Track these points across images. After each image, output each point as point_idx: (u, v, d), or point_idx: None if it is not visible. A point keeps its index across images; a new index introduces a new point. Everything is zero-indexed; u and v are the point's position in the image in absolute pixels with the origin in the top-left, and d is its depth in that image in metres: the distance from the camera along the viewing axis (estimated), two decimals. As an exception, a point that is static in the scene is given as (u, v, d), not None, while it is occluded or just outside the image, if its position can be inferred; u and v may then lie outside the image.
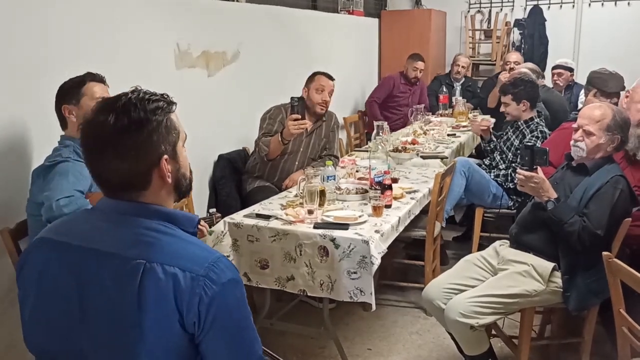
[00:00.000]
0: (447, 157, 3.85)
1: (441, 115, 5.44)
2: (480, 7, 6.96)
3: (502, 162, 3.75)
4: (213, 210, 2.51)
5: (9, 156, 2.37)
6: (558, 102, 4.40)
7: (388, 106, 5.53)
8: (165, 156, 1.17)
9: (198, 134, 3.28)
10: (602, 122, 2.36)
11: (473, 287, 2.39)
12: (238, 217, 2.60)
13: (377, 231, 2.43)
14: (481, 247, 2.94)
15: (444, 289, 2.42)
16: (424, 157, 3.79)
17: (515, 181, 2.50)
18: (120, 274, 1.11)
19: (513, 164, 3.59)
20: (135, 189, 1.17)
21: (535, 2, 6.65)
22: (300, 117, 3.06)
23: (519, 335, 2.40)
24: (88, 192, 2.06)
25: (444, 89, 5.74)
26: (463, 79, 5.92)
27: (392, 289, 3.42)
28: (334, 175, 2.88)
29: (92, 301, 1.13)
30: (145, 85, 1.22)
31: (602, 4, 6.37)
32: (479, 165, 3.76)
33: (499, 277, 2.41)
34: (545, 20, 6.57)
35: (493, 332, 2.60)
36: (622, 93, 3.09)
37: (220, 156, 3.71)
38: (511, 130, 3.74)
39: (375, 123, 3.62)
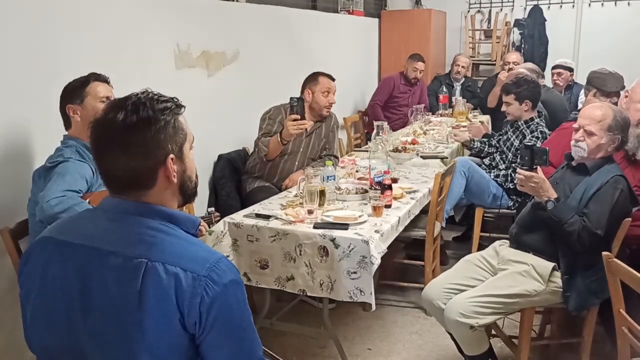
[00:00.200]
0: (447, 157, 3.86)
1: (441, 115, 5.45)
2: (480, 7, 6.96)
3: (502, 162, 3.75)
4: (211, 209, 2.51)
5: (10, 156, 2.37)
6: (558, 102, 4.40)
7: (388, 106, 5.54)
8: (172, 155, 1.18)
9: (198, 134, 3.22)
10: (603, 122, 2.36)
11: (473, 287, 2.39)
12: (238, 217, 2.61)
13: (377, 231, 2.43)
14: (481, 247, 2.94)
15: (443, 289, 2.42)
16: (423, 157, 3.79)
17: (515, 181, 2.50)
18: (122, 272, 1.11)
19: (513, 164, 3.59)
20: (140, 187, 1.18)
21: (535, 2, 6.65)
22: (299, 117, 3.06)
23: (519, 335, 2.40)
24: (87, 193, 2.06)
25: (444, 89, 5.74)
26: (463, 79, 5.92)
27: (392, 289, 3.42)
28: (334, 175, 2.88)
29: (93, 299, 1.14)
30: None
31: (602, 4, 6.37)
32: (479, 165, 3.76)
33: (499, 277, 2.41)
34: (545, 20, 6.57)
35: (493, 332, 2.60)
36: (622, 93, 3.09)
37: (220, 156, 3.71)
38: (511, 130, 3.74)
39: (375, 123, 3.62)
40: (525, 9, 6.72)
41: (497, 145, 3.93)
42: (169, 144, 1.18)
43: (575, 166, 2.49)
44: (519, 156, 3.44)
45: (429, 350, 2.85)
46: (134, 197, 1.19)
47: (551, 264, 2.35)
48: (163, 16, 3.22)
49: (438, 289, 2.44)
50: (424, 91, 5.73)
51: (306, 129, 3.24)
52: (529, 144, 3.02)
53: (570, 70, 5.20)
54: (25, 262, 1.25)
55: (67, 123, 2.24)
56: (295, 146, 3.42)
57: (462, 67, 5.82)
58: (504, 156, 3.75)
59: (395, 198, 2.80)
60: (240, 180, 3.60)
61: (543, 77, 4.77)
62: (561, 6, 6.57)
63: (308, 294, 2.52)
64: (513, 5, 6.80)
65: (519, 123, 3.67)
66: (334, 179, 2.88)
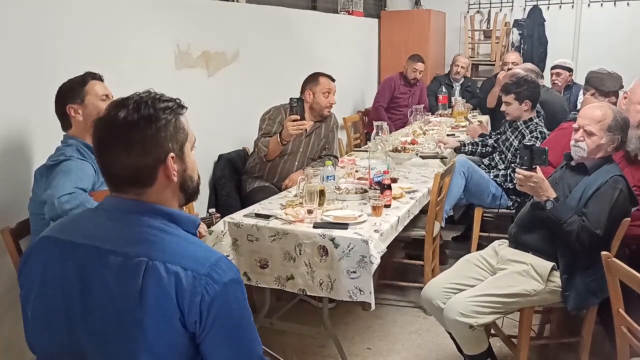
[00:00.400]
0: (446, 157, 3.86)
1: (440, 116, 5.45)
2: (479, 8, 6.97)
3: (501, 162, 3.75)
4: (212, 210, 2.52)
5: (10, 155, 2.37)
6: (557, 102, 4.40)
7: (389, 107, 5.54)
8: (172, 154, 1.19)
9: (198, 134, 3.23)
10: (603, 122, 2.37)
11: (472, 286, 2.39)
12: (238, 216, 2.61)
13: (376, 231, 2.43)
14: (480, 247, 2.95)
15: (443, 289, 2.42)
16: (423, 157, 3.79)
17: (515, 181, 2.50)
18: (123, 271, 1.12)
19: (512, 164, 3.59)
20: (141, 185, 1.19)
21: (534, 3, 6.66)
22: (299, 117, 3.06)
23: (518, 334, 2.41)
24: (91, 191, 2.07)
25: (444, 89, 5.74)
26: (462, 79, 5.93)
27: (391, 288, 3.43)
28: (334, 175, 2.89)
29: (94, 298, 1.14)
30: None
31: (601, 5, 6.38)
32: (479, 165, 3.76)
33: (498, 276, 2.41)
34: (545, 21, 6.57)
35: (492, 331, 2.60)
36: (621, 93, 3.10)
37: (220, 156, 3.72)
38: (509, 130, 3.75)
39: (375, 123, 3.63)
40: (524, 9, 6.73)
41: (495, 144, 3.93)
42: (170, 143, 1.19)
43: (575, 166, 2.49)
44: (518, 156, 3.45)
45: (429, 350, 2.85)
46: (134, 195, 1.19)
47: (550, 264, 2.35)
48: (163, 16, 3.22)
49: (437, 289, 2.44)
50: (423, 91, 5.73)
51: (306, 129, 3.25)
52: (528, 143, 3.03)
53: (569, 70, 5.20)
54: (25, 261, 1.25)
55: (66, 123, 2.24)
56: (295, 146, 3.42)
57: (462, 67, 5.82)
58: (503, 156, 3.76)
59: (394, 198, 2.81)
60: (240, 180, 3.60)
61: (542, 77, 4.77)
62: (560, 6, 6.58)
63: (308, 294, 2.52)
64: (512, 6, 6.81)
65: (518, 123, 3.67)
66: (334, 179, 2.88)
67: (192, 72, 3.48)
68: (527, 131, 3.61)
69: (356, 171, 3.31)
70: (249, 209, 2.74)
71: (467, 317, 2.23)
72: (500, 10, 6.85)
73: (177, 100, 1.24)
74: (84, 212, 1.31)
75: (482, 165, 3.80)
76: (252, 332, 1.20)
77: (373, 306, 2.39)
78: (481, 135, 4.26)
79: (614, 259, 1.83)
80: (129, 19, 2.97)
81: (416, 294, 3.17)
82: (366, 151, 3.53)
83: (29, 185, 2.28)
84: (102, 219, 1.21)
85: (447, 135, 4.57)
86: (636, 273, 1.71)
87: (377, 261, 2.33)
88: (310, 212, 2.52)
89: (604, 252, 1.88)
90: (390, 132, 4.30)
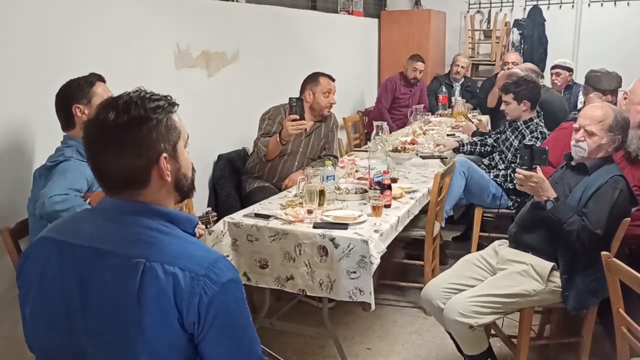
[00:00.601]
0: (446, 157, 3.86)
1: (440, 116, 5.45)
2: (479, 8, 6.97)
3: (501, 162, 3.75)
4: (209, 209, 2.52)
5: (9, 156, 2.37)
6: (557, 102, 4.40)
7: (390, 107, 5.54)
8: (165, 154, 1.17)
9: (197, 134, 3.24)
10: (604, 122, 2.37)
11: (472, 286, 2.39)
12: (237, 216, 2.61)
13: (376, 231, 2.43)
14: (480, 247, 2.94)
15: (443, 289, 2.42)
16: (423, 157, 3.79)
17: (515, 181, 2.50)
18: (121, 272, 1.11)
19: (512, 165, 3.59)
20: (134, 187, 1.18)
21: (534, 3, 6.65)
22: (298, 117, 3.06)
23: (518, 334, 2.41)
24: (88, 192, 2.07)
25: (444, 89, 5.74)
26: (462, 79, 5.93)
27: (391, 288, 3.43)
28: (334, 175, 2.89)
29: (92, 299, 1.14)
30: (145, 85, 1.23)
31: (602, 4, 6.38)
32: (479, 165, 3.76)
33: (498, 276, 2.41)
34: (545, 21, 6.57)
35: (492, 331, 2.60)
36: (620, 94, 3.10)
37: (219, 156, 3.71)
38: (509, 130, 3.74)
39: (375, 123, 3.63)
40: (524, 9, 6.72)
41: (495, 144, 3.93)
42: (162, 143, 1.17)
43: (575, 166, 2.49)
44: (518, 156, 3.44)
45: (429, 350, 2.85)
46: (129, 196, 1.18)
47: (550, 264, 2.35)
48: (163, 16, 3.22)
49: (437, 289, 2.44)
50: (423, 91, 5.73)
51: (305, 129, 3.25)
52: (529, 143, 3.03)
53: (569, 70, 5.19)
54: (23, 262, 1.25)
55: (68, 123, 2.24)
56: (294, 146, 3.42)
57: (462, 67, 5.82)
58: (503, 156, 3.75)
59: (394, 198, 2.81)
60: (240, 180, 3.60)
61: (542, 77, 4.77)
62: (560, 6, 6.57)
63: (308, 294, 2.52)
64: (512, 6, 6.80)
65: (518, 123, 3.67)
66: (334, 179, 2.88)
67: (192, 72, 3.48)
68: (527, 131, 3.60)
69: (356, 171, 3.31)
70: (249, 209, 2.74)
71: (467, 317, 2.23)
72: (501, 10, 6.84)
73: (168, 98, 1.22)
74: (81, 212, 1.31)
75: (482, 165, 3.80)
76: (251, 332, 1.19)
77: (373, 306, 2.39)
78: (481, 135, 4.26)
79: (614, 259, 1.83)
80: (129, 19, 2.97)
81: (416, 294, 3.17)
82: (366, 151, 3.53)
83: (29, 185, 2.28)
84: (100, 220, 1.20)
85: (447, 135, 4.57)
86: (636, 273, 1.71)
87: (377, 261, 2.33)
88: (310, 212, 2.52)
89: (604, 252, 1.88)
90: (391, 132, 4.30)
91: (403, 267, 3.59)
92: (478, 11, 6.98)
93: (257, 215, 2.59)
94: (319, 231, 2.40)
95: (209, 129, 3.60)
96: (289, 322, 2.84)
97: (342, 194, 2.88)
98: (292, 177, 3.36)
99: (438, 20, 6.68)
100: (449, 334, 2.45)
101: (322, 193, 2.66)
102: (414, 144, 4.10)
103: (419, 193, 3.00)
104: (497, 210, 3.69)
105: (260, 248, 2.51)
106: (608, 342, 2.59)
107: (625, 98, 2.87)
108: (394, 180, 3.03)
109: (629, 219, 2.31)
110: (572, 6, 6.51)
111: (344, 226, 2.43)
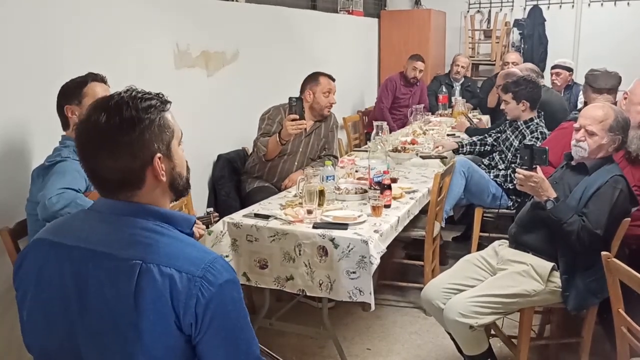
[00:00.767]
0: (446, 157, 3.86)
1: (440, 115, 5.45)
2: (479, 7, 6.97)
3: (501, 162, 3.75)
4: (210, 209, 2.51)
5: (9, 156, 2.37)
6: (558, 102, 4.40)
7: (390, 107, 5.53)
8: (159, 155, 1.16)
9: (197, 134, 3.28)
10: (605, 122, 2.36)
11: (472, 287, 2.39)
12: (237, 217, 2.60)
13: (376, 231, 2.43)
14: (480, 247, 2.94)
15: (443, 289, 2.42)
16: (423, 157, 3.79)
17: (515, 181, 2.50)
18: (117, 274, 1.11)
19: (512, 164, 3.58)
20: (129, 188, 1.17)
21: (534, 2, 6.65)
22: (298, 117, 3.06)
23: (518, 335, 2.40)
24: (86, 192, 2.06)
25: (444, 89, 5.74)
26: (462, 79, 5.93)
27: (391, 288, 3.42)
28: (333, 175, 2.89)
29: (90, 301, 1.13)
30: (145, 85, 1.22)
31: (602, 4, 6.38)
32: (479, 165, 3.76)
33: (498, 277, 2.41)
34: (545, 20, 6.57)
35: (492, 332, 2.59)
36: (620, 94, 3.10)
37: (219, 156, 3.71)
38: (509, 130, 3.74)
39: (375, 123, 3.63)
40: (524, 9, 6.72)
41: (495, 143, 3.92)
42: (155, 143, 1.16)
43: (575, 166, 2.49)
44: (518, 156, 3.44)
45: (429, 350, 2.85)
46: (124, 197, 1.17)
47: (550, 264, 2.35)
48: (163, 16, 3.22)
49: (437, 289, 2.43)
50: (424, 91, 5.73)
51: (305, 129, 3.25)
52: (529, 143, 3.03)
53: (569, 70, 5.18)
54: (20, 263, 1.24)
55: (65, 123, 2.24)
56: (294, 146, 3.42)
57: (462, 67, 5.82)
58: (503, 156, 3.75)
59: (394, 198, 2.80)
60: (239, 180, 3.60)
61: (542, 77, 4.77)
62: (561, 6, 6.57)
63: (307, 294, 2.52)
64: (513, 6, 6.80)
65: (519, 123, 3.66)
66: (334, 179, 2.88)
67: (192, 71, 3.48)
68: (528, 131, 3.60)
69: (356, 171, 3.30)
70: (249, 209, 2.74)
71: (467, 318, 2.22)
72: (501, 9, 6.84)
73: (160, 96, 1.20)
74: (77, 213, 1.29)
75: (482, 165, 3.80)
76: (249, 333, 1.18)
77: (373, 307, 2.39)
78: (475, 132, 4.26)
79: (614, 259, 1.82)
80: (129, 18, 2.97)
81: (416, 294, 3.17)
82: (366, 151, 3.53)
83: (28, 185, 2.28)
84: (96, 221, 1.20)
85: (447, 135, 4.57)
86: (636, 273, 1.70)
87: (376, 261, 2.33)
88: (309, 212, 2.51)
89: (604, 252, 1.88)
90: (391, 132, 4.30)
91: (403, 267, 3.59)
92: (478, 11, 6.98)
93: (257, 216, 2.58)
94: (319, 231, 2.40)
95: (209, 129, 3.59)
96: (289, 323, 2.83)
97: (342, 194, 2.88)
98: (291, 177, 3.36)
99: (438, 20, 6.67)
100: (449, 334, 2.45)
101: (321, 193, 2.66)
102: (414, 144, 4.10)
103: (419, 193, 2.99)
104: (497, 211, 3.69)
105: (260, 248, 2.50)
106: (608, 342, 2.59)
107: (625, 98, 2.87)
108: (394, 180, 3.03)
109: (629, 219, 2.31)
110: (572, 6, 6.51)
111: (343, 226, 2.42)
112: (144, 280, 1.09)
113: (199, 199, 3.50)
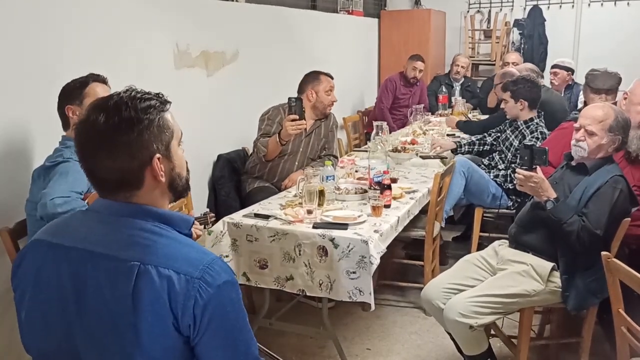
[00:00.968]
0: (446, 157, 3.86)
1: (440, 115, 5.44)
2: (479, 7, 6.97)
3: (501, 162, 3.75)
4: (207, 210, 2.51)
5: (9, 156, 2.37)
6: (558, 102, 4.39)
7: (390, 107, 5.53)
8: (158, 155, 1.16)
9: (197, 134, 3.28)
10: (604, 122, 2.36)
11: (472, 287, 2.39)
12: (237, 216, 2.60)
13: (376, 231, 2.43)
14: (480, 247, 2.94)
15: (443, 289, 2.42)
16: (423, 157, 3.79)
17: (515, 181, 2.50)
18: (115, 275, 1.11)
19: (512, 165, 3.58)
20: (128, 189, 1.16)
21: (534, 2, 6.65)
22: (297, 117, 3.06)
23: (518, 335, 2.40)
24: (86, 193, 2.06)
25: (444, 89, 5.74)
26: (462, 79, 5.92)
27: (391, 288, 3.42)
28: (333, 175, 2.89)
29: (88, 302, 1.13)
30: (144, 85, 1.22)
31: (602, 4, 6.37)
32: (479, 165, 3.76)
33: (498, 277, 2.41)
34: (545, 20, 6.57)
35: (492, 332, 2.60)
36: (620, 94, 3.09)
37: (219, 156, 3.71)
38: (509, 130, 3.74)
39: (375, 123, 3.63)
40: (524, 9, 6.72)
41: (494, 143, 3.92)
42: (154, 144, 1.15)
43: (575, 166, 2.49)
44: (518, 156, 3.44)
45: (428, 350, 2.84)
46: (123, 198, 1.17)
47: (550, 264, 2.35)
48: (162, 16, 3.22)
49: (437, 289, 2.43)
50: (424, 91, 5.72)
51: (305, 129, 3.25)
52: (529, 143, 3.02)
53: (567, 69, 5.14)
54: (18, 264, 1.24)
55: (65, 124, 2.24)
56: (295, 146, 3.42)
57: (462, 67, 5.82)
58: (503, 156, 3.75)
59: (394, 198, 2.80)
60: (239, 180, 3.60)
61: (542, 77, 4.77)
62: (561, 6, 6.57)
63: (307, 294, 2.52)
64: (513, 5, 6.80)
65: (519, 123, 3.66)
66: (333, 179, 2.88)
67: (192, 71, 3.48)
68: (528, 131, 3.60)
69: (356, 171, 3.30)
70: (249, 209, 2.74)
71: (467, 318, 2.22)
72: (501, 9, 6.84)
73: (160, 96, 1.20)
74: (75, 214, 1.29)
75: (482, 165, 3.80)
76: (248, 333, 1.18)
77: (373, 307, 2.39)
78: (471, 128, 4.26)
79: (614, 259, 1.82)
80: (129, 19, 2.97)
81: (416, 294, 3.17)
82: (366, 151, 3.53)
83: (28, 185, 2.28)
84: (94, 222, 1.19)
85: (447, 135, 4.57)
86: (636, 273, 1.70)
87: (376, 261, 2.33)
88: (309, 212, 2.51)
89: (604, 253, 1.88)
90: (391, 132, 4.30)
91: (403, 267, 3.59)
92: (478, 11, 6.98)
93: (257, 216, 2.58)
94: (319, 231, 2.39)
95: (209, 129, 3.59)
96: (289, 323, 2.83)
97: (341, 194, 2.88)
98: (292, 177, 3.36)
99: (438, 20, 6.67)
100: (449, 334, 2.45)
101: (321, 193, 2.66)
102: (414, 144, 4.10)
103: (419, 193, 2.99)
104: (497, 211, 3.69)
105: (260, 248, 2.50)
106: (607, 342, 2.59)
107: (625, 98, 2.87)
108: (394, 180, 3.03)
109: (629, 219, 2.31)
110: (572, 6, 6.51)
111: (343, 226, 2.42)
112: (142, 281, 1.08)
113: (198, 199, 3.50)
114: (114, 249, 1.13)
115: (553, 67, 5.21)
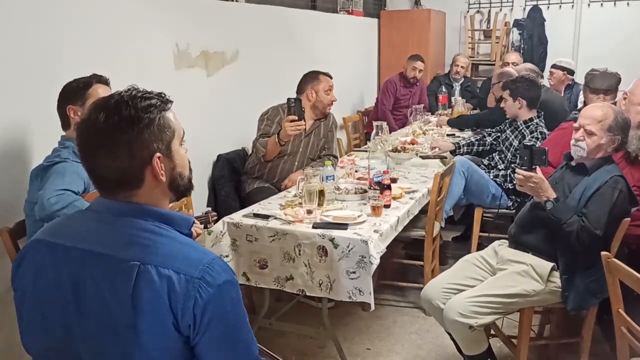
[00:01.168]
0: (446, 157, 3.86)
1: (440, 116, 5.44)
2: (479, 7, 6.96)
3: (501, 162, 3.75)
4: (209, 209, 2.51)
5: (8, 156, 2.37)
6: (558, 102, 4.40)
7: (391, 108, 5.53)
8: (158, 154, 1.16)
9: (197, 134, 3.27)
10: (604, 122, 2.36)
11: (472, 287, 2.39)
12: (237, 216, 2.60)
13: (376, 231, 2.43)
14: (480, 247, 2.94)
15: (443, 289, 2.42)
16: (423, 157, 3.79)
17: (515, 181, 2.50)
18: (115, 275, 1.11)
19: (512, 165, 3.58)
20: (128, 188, 1.16)
21: (534, 3, 6.65)
22: (297, 118, 3.06)
23: (518, 335, 2.40)
24: (84, 193, 2.07)
25: (443, 89, 5.74)
26: (462, 79, 5.92)
27: (391, 288, 3.42)
28: (333, 175, 2.89)
29: (87, 302, 1.13)
30: (144, 85, 1.22)
31: (602, 4, 6.37)
32: (478, 165, 3.76)
33: (498, 277, 2.41)
34: (545, 21, 6.57)
35: (492, 332, 2.60)
36: (620, 94, 3.09)
37: (219, 156, 3.71)
38: (509, 130, 3.74)
39: (375, 123, 3.63)
40: (524, 9, 6.72)
41: (494, 142, 3.92)
42: (155, 143, 1.15)
43: (575, 166, 2.49)
44: (518, 156, 3.44)
45: (428, 350, 2.85)
46: (123, 197, 1.17)
47: (550, 264, 2.35)
48: (162, 16, 3.22)
49: (437, 289, 2.43)
50: (423, 92, 5.72)
51: (305, 129, 3.25)
52: (528, 144, 3.02)
53: (563, 69, 5.11)
54: (18, 265, 1.24)
55: (65, 123, 2.24)
56: (294, 146, 3.42)
57: (462, 67, 5.82)
58: (502, 156, 3.75)
59: (394, 198, 2.80)
60: (239, 180, 3.60)
61: (542, 77, 4.76)
62: (560, 6, 6.57)
63: (307, 294, 2.52)
64: (512, 6, 6.80)
65: (518, 123, 3.66)
66: (333, 179, 2.88)
67: (192, 71, 3.48)
68: (527, 131, 3.60)
69: (356, 171, 3.30)
70: (248, 209, 2.74)
71: (466, 318, 2.22)
72: (500, 10, 6.84)
73: (162, 96, 1.20)
74: (75, 214, 1.29)
75: (482, 165, 3.80)
76: (248, 333, 1.18)
77: (373, 306, 2.39)
78: (461, 123, 4.26)
79: (614, 260, 1.82)
80: (129, 19, 2.97)
81: (416, 294, 3.17)
82: (366, 151, 3.53)
83: (27, 185, 2.28)
84: (94, 221, 1.19)
85: (447, 135, 4.57)
86: (636, 273, 1.70)
87: (376, 261, 2.33)
88: (309, 212, 2.51)
89: (604, 253, 1.88)
90: (391, 133, 4.30)
91: (403, 267, 3.59)
92: (478, 11, 6.97)
93: (257, 216, 2.58)
94: (319, 231, 2.40)
95: (209, 129, 3.59)
96: (289, 323, 2.84)
97: (341, 194, 2.88)
98: (291, 177, 3.36)
99: (438, 20, 6.67)
100: (449, 334, 2.45)
101: (321, 193, 2.66)
102: (413, 144, 4.10)
103: (419, 193, 2.99)
104: (497, 211, 3.69)
105: (260, 248, 2.50)
106: (607, 342, 2.59)
107: (624, 98, 2.87)
108: (394, 180, 3.03)
109: (629, 219, 2.31)
110: (572, 6, 6.51)
111: (343, 226, 2.43)
112: (142, 281, 1.08)
113: (198, 199, 3.50)
114: (114, 248, 1.13)
115: (552, 67, 5.20)
